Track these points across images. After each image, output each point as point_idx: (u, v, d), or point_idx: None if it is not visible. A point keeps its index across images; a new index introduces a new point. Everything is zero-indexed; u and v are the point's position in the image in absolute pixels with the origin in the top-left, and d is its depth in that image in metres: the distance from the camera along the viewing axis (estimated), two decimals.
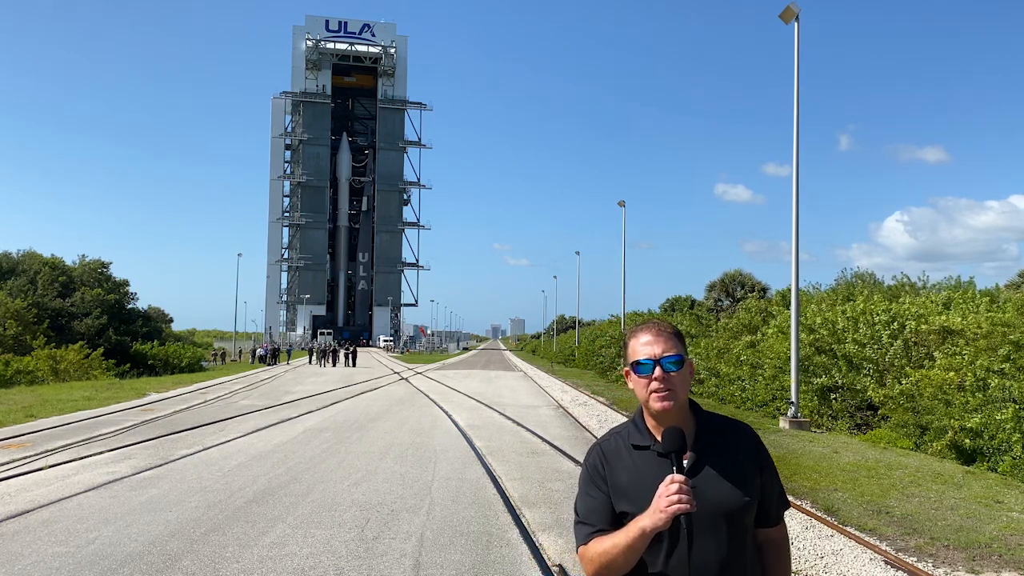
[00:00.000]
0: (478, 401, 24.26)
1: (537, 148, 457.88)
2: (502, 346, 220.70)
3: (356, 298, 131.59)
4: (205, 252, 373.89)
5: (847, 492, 9.89)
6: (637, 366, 2.17)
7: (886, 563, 6.92)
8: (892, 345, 18.13)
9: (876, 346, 18.55)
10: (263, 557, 6.82)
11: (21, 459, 11.66)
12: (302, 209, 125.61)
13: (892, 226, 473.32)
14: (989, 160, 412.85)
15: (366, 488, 10.03)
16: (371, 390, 28.61)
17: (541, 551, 7.19)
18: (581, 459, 10.92)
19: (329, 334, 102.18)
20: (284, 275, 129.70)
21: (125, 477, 10.46)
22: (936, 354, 16.71)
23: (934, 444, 14.04)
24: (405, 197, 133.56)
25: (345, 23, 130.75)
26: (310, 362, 55.16)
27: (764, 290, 49.12)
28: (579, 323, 73.00)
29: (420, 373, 42.93)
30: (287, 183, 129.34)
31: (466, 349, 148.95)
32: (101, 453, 12.45)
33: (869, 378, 18.12)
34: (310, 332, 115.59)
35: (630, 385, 2.23)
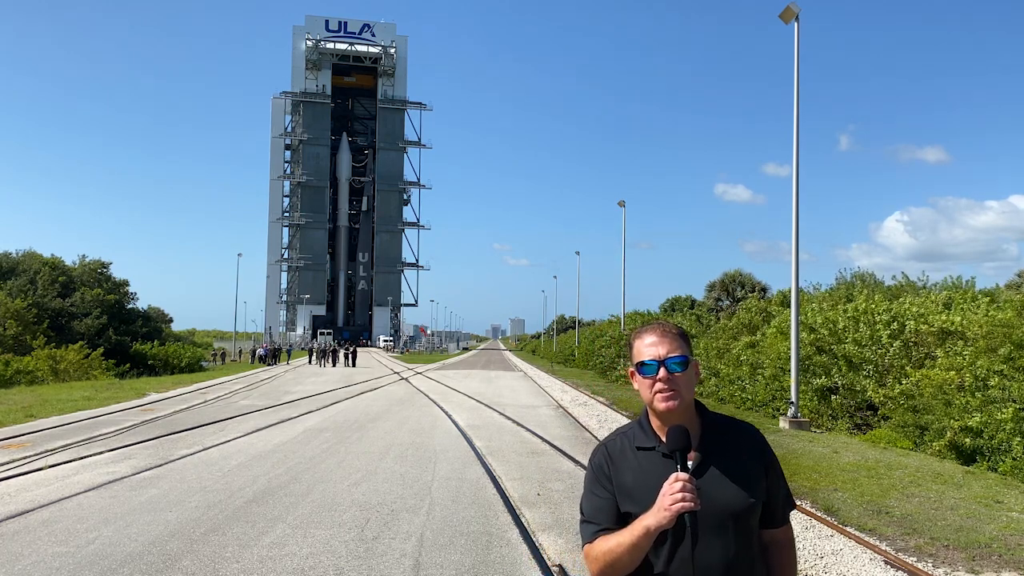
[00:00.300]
0: (478, 401, 24.26)
1: (537, 148, 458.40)
2: (502, 346, 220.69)
3: (356, 298, 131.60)
4: (205, 252, 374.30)
5: (847, 492, 9.88)
6: (642, 367, 2.18)
7: (886, 563, 6.92)
8: (892, 345, 18.13)
9: (876, 346, 18.55)
10: (263, 557, 6.82)
11: (21, 459, 11.65)
12: (302, 209, 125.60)
13: (892, 226, 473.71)
14: (989, 160, 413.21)
15: (366, 488, 10.03)
16: (371, 390, 28.61)
17: (541, 551, 7.19)
18: (581, 459, 10.92)
19: (329, 334, 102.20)
20: (284, 275, 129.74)
21: (125, 477, 10.46)
22: (937, 353, 16.72)
23: (934, 444, 14.04)
24: (405, 197, 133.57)
25: (345, 23, 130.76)
26: (310, 362, 55.15)
27: (764, 290, 49.15)
28: (579, 323, 72.98)
29: (420, 373, 42.93)
30: (287, 183, 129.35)
31: (466, 349, 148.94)
32: (101, 453, 12.45)
33: (869, 379, 18.12)
34: (310, 332, 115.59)
35: (635, 386, 2.23)
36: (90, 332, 48.90)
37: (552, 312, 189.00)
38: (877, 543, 7.57)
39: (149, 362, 48.31)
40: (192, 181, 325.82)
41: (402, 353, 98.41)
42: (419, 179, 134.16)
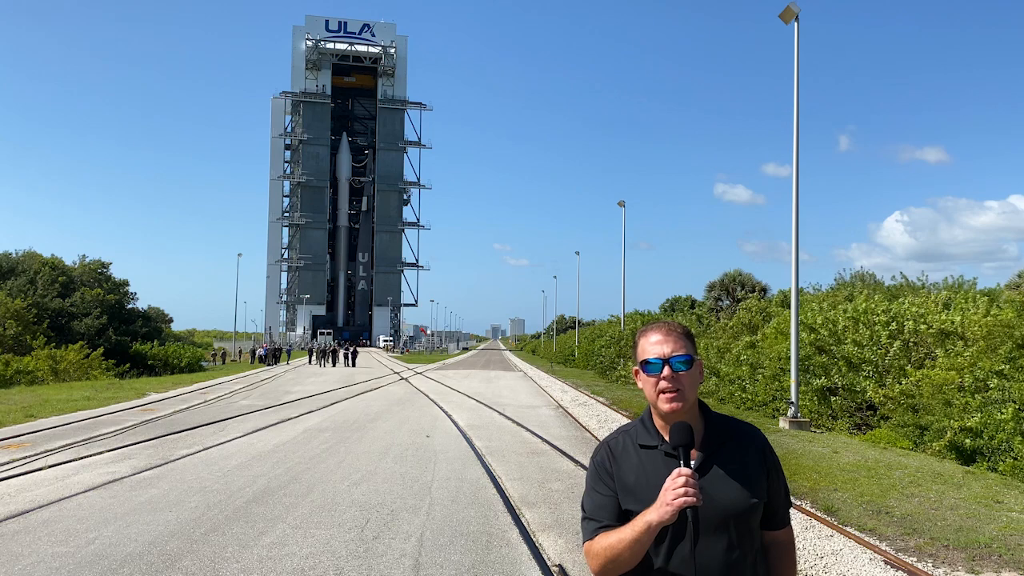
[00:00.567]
0: (478, 401, 24.26)
1: (537, 148, 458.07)
2: (502, 346, 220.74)
3: (356, 298, 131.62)
4: (205, 252, 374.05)
5: (847, 492, 9.88)
6: (646, 365, 2.18)
7: (886, 563, 6.92)
8: (892, 346, 18.13)
9: (876, 347, 18.55)
10: (263, 557, 6.82)
11: (21, 459, 11.65)
12: (302, 209, 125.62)
13: (892, 226, 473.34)
14: (989, 160, 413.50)
15: (366, 488, 10.03)
16: (371, 390, 28.61)
17: (541, 551, 7.19)
18: (581, 459, 10.92)
19: (329, 334, 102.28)
20: (284, 275, 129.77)
21: (125, 477, 10.46)
22: (937, 353, 16.71)
23: (934, 444, 14.03)
24: (405, 197, 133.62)
25: (345, 23, 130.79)
26: (310, 362, 55.16)
27: (764, 290, 49.12)
28: (579, 323, 73.03)
29: (420, 373, 42.94)
30: (287, 183, 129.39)
31: (466, 349, 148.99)
32: (101, 453, 12.45)
33: (869, 379, 18.11)
34: (310, 332, 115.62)
35: (639, 384, 2.24)
36: (90, 332, 48.86)
37: (552, 312, 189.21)
38: (877, 543, 7.57)
39: (149, 362, 48.31)
40: (192, 181, 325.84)
41: (402, 353, 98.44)
42: (419, 179, 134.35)
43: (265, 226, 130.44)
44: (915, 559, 7.09)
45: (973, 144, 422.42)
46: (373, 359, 66.44)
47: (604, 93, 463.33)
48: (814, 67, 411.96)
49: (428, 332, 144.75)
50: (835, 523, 8.37)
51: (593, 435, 16.30)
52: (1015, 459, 11.97)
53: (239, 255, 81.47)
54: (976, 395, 13.73)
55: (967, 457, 13.14)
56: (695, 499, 1.98)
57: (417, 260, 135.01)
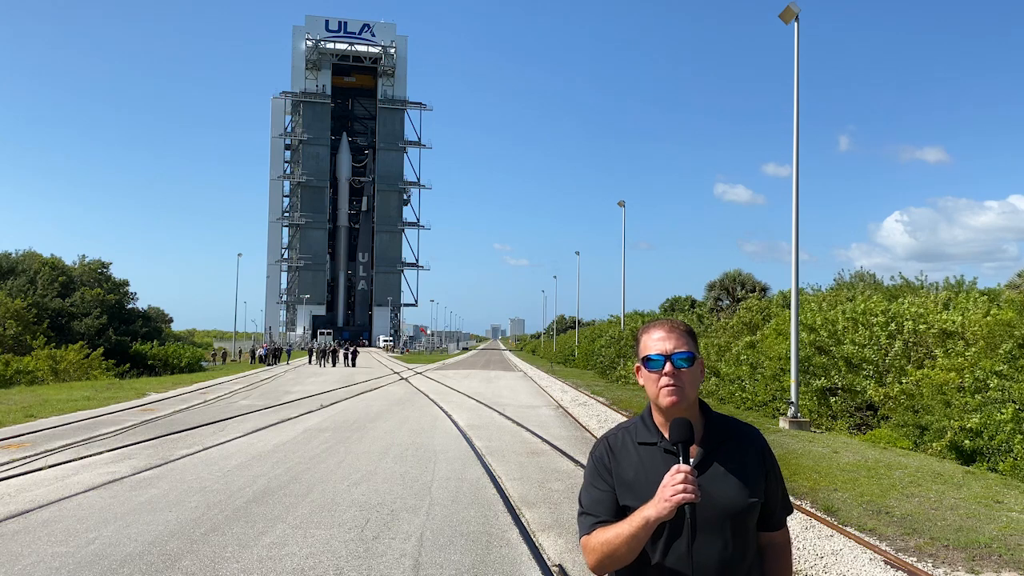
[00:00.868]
0: (478, 401, 24.27)
1: (537, 148, 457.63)
2: (502, 346, 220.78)
3: (356, 298, 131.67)
4: (205, 252, 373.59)
5: (847, 492, 9.88)
6: (648, 361, 2.18)
7: (886, 563, 6.92)
8: (892, 346, 18.12)
9: (875, 347, 18.54)
10: (263, 557, 6.82)
11: (21, 459, 11.66)
12: (302, 209, 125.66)
13: (892, 226, 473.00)
14: (989, 160, 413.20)
15: (366, 488, 10.03)
16: (371, 390, 28.62)
17: (541, 551, 7.19)
18: (581, 459, 10.92)
19: (329, 334, 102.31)
20: (284, 275, 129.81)
21: (125, 477, 10.46)
22: (937, 352, 16.71)
23: (934, 444, 14.03)
24: (405, 197, 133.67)
25: (345, 23, 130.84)
26: (310, 362, 55.18)
27: (764, 290, 49.10)
28: (579, 323, 73.05)
29: (420, 373, 42.94)
30: (287, 183, 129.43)
31: (466, 349, 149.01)
32: (101, 453, 12.45)
33: (869, 379, 18.11)
34: (310, 332, 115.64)
35: (640, 381, 2.24)
36: (90, 332, 48.86)
37: (552, 312, 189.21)
38: (877, 543, 7.57)
39: (149, 362, 48.31)
40: (192, 181, 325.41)
41: (402, 353, 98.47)
42: (419, 179, 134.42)
43: (265, 226, 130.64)
44: (915, 559, 7.09)
45: (973, 144, 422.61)
46: (373, 359, 66.46)
47: (604, 93, 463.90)
48: (814, 67, 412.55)
49: (428, 332, 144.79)
50: (835, 523, 8.37)
51: (593, 435, 16.31)
52: (1015, 459, 11.97)
53: (239, 255, 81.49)
54: (976, 395, 13.73)
55: (967, 457, 13.14)
56: (693, 496, 1.98)
57: (417, 260, 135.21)
